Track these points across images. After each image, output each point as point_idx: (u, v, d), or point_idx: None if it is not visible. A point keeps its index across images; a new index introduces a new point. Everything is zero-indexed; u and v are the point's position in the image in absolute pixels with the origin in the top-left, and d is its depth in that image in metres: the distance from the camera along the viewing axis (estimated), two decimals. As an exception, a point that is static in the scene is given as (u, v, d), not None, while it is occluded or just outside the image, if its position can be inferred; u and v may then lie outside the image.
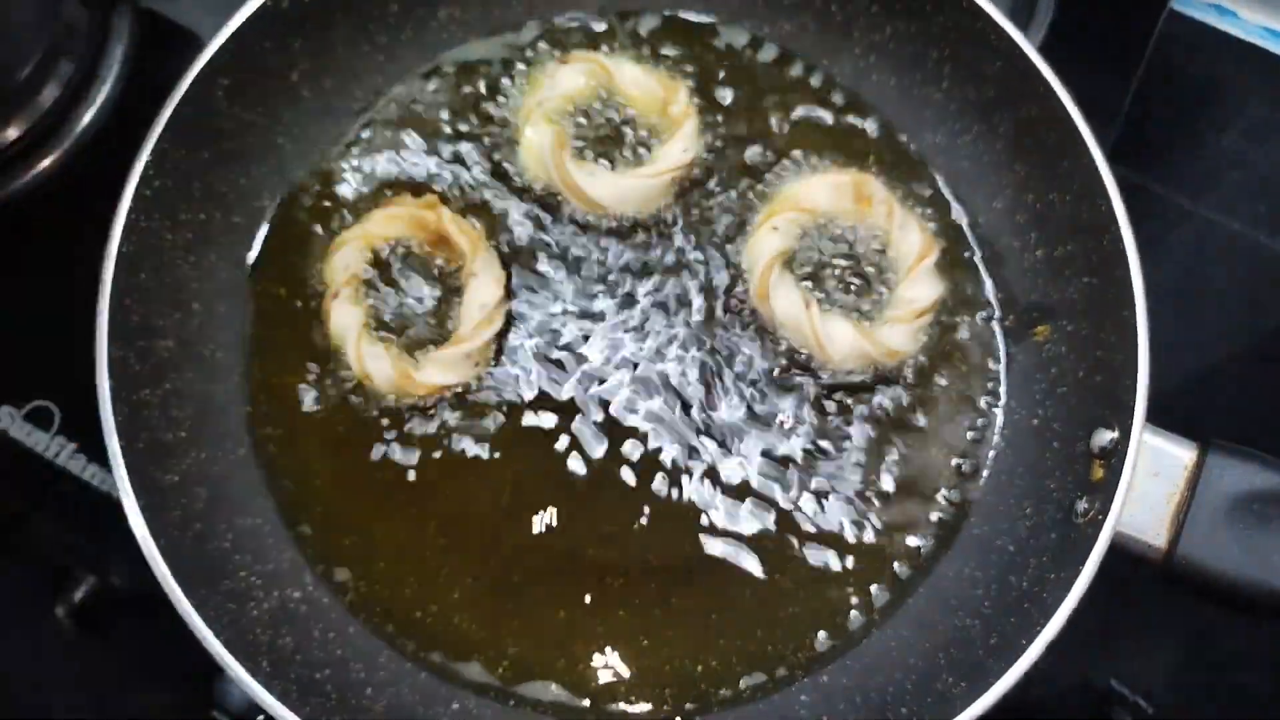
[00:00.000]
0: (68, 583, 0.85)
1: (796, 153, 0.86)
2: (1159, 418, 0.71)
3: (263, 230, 0.83)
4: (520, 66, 0.88)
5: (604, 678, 0.75)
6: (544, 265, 0.83)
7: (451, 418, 0.79)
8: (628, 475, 0.79)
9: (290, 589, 0.76)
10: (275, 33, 0.80)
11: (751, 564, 0.77)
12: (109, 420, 0.70)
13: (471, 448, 0.79)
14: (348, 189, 0.84)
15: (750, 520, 0.78)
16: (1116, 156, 0.87)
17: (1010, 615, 0.72)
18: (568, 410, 0.80)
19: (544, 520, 0.77)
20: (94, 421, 0.70)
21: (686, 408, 0.80)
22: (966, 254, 0.85)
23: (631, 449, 0.79)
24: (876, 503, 0.79)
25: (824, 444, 0.80)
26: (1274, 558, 0.68)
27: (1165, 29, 0.99)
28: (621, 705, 0.75)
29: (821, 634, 0.76)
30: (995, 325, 0.83)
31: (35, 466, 0.86)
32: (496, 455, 0.79)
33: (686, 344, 0.81)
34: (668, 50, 0.89)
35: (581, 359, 0.81)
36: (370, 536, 0.77)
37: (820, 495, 0.79)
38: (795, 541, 0.78)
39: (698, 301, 0.82)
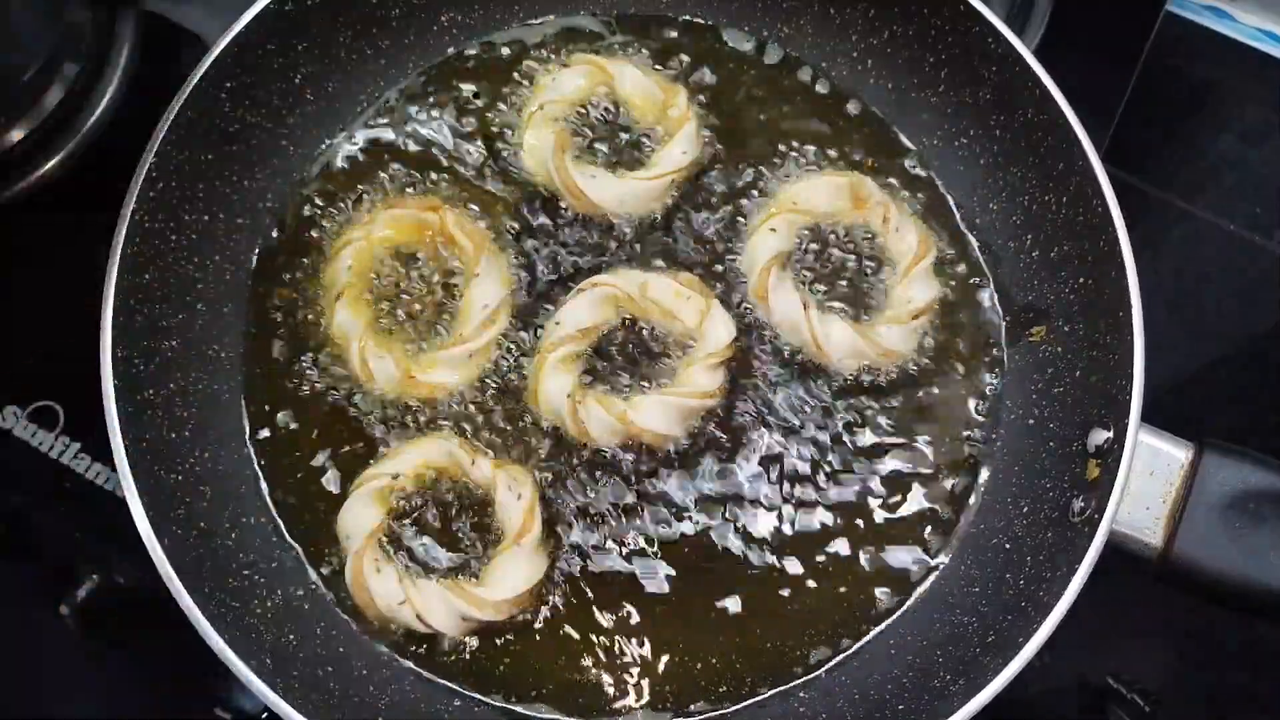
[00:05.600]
0: (72, 581, 0.85)
1: (794, 155, 0.86)
2: (1154, 417, 0.72)
3: (266, 232, 0.84)
4: (522, 70, 0.88)
5: (603, 675, 0.76)
6: (545, 266, 0.83)
7: (451, 418, 0.79)
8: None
9: (293, 587, 0.76)
10: (279, 36, 0.81)
11: (751, 564, 0.78)
12: (113, 420, 0.71)
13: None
14: (351, 191, 0.85)
15: (751, 521, 0.79)
16: (1112, 158, 0.88)
17: (1007, 613, 0.73)
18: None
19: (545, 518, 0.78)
20: (98, 421, 0.71)
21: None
22: (963, 255, 0.85)
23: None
24: (874, 502, 0.79)
25: (821, 444, 0.80)
26: (1269, 556, 0.69)
27: (1161, 30, 1.00)
28: (621, 702, 0.75)
29: (820, 632, 0.77)
30: (991, 326, 0.84)
31: (39, 466, 0.86)
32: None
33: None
34: (668, 53, 0.89)
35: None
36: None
37: (818, 495, 0.79)
38: (794, 542, 0.78)
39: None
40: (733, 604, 0.77)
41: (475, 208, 0.84)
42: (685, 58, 0.89)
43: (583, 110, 0.86)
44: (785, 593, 0.77)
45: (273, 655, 0.71)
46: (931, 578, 0.78)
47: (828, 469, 0.80)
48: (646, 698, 0.75)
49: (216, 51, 0.77)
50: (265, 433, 0.79)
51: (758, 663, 0.76)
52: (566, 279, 0.83)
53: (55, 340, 0.87)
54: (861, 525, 0.79)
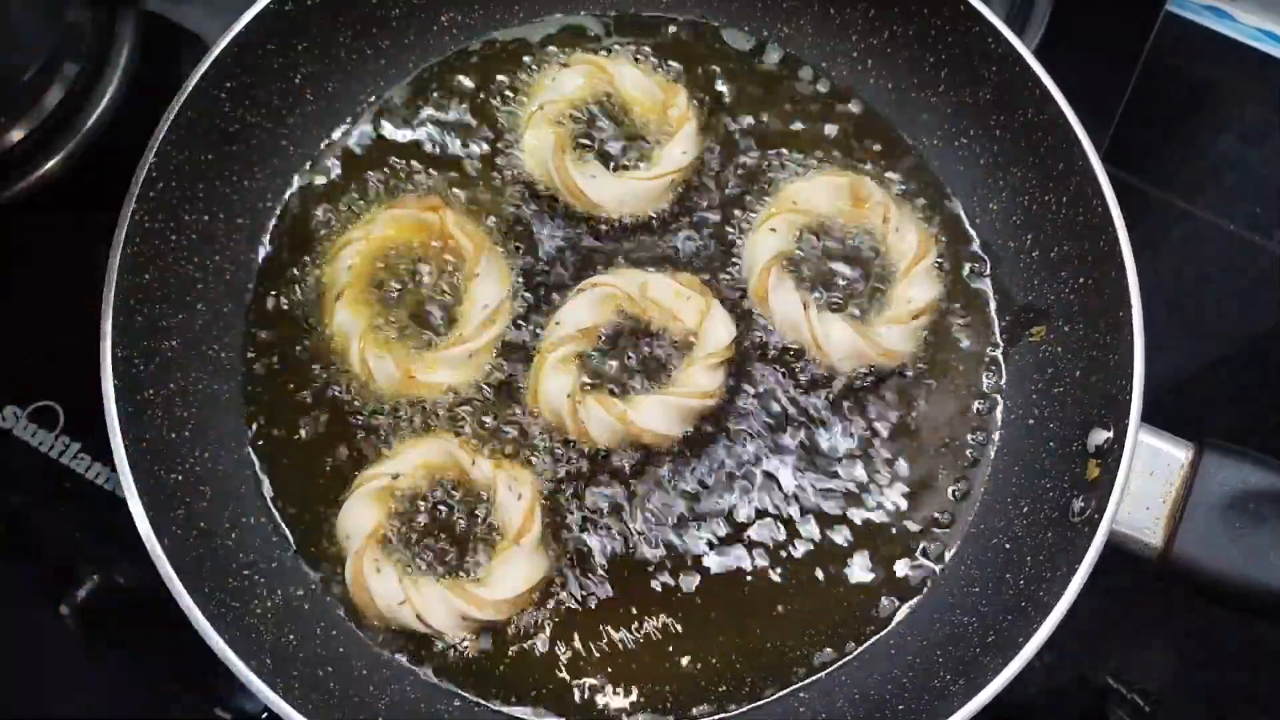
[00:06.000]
0: (72, 581, 0.85)
1: (794, 155, 0.87)
2: (1154, 417, 0.72)
3: (266, 232, 0.84)
4: (522, 70, 0.88)
5: (603, 676, 0.76)
6: (544, 266, 0.83)
7: (452, 418, 0.79)
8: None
9: (293, 587, 0.76)
10: (279, 36, 0.81)
11: (751, 565, 0.78)
12: (113, 420, 0.71)
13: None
14: (351, 191, 0.85)
15: (751, 522, 0.78)
16: (1112, 158, 0.88)
17: (1007, 613, 0.73)
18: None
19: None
20: (98, 421, 0.71)
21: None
22: (963, 255, 0.85)
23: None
24: (874, 502, 0.79)
25: (821, 444, 0.80)
26: (1269, 556, 0.69)
27: (1161, 30, 1.00)
28: (622, 704, 0.75)
29: (821, 633, 0.77)
30: (992, 326, 0.84)
31: (40, 466, 0.86)
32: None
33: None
34: (668, 53, 0.89)
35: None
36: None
37: (817, 495, 0.79)
38: (794, 544, 0.78)
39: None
40: (733, 605, 0.77)
41: (475, 208, 0.84)
42: (685, 58, 0.89)
43: (583, 110, 0.86)
44: (786, 594, 0.77)
45: (273, 655, 0.71)
46: (932, 578, 0.78)
47: (827, 469, 0.80)
48: (647, 699, 0.75)
49: (216, 51, 0.77)
50: (265, 433, 0.79)
51: (758, 664, 0.76)
52: (566, 279, 0.83)
53: (55, 340, 0.87)
54: (861, 525, 0.79)
